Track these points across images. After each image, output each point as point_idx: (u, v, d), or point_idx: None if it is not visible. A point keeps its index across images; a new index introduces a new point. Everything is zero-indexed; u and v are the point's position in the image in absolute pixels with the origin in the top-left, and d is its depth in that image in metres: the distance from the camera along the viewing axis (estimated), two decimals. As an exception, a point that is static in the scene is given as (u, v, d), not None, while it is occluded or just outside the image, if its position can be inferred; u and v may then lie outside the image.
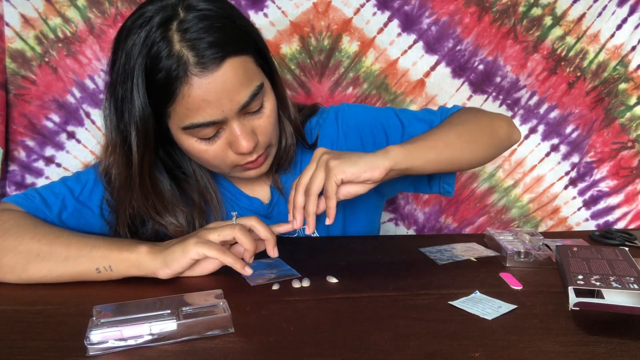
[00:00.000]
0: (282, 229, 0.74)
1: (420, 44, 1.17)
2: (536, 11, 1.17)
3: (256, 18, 1.14)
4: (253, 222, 0.71)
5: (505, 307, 0.60)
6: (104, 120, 0.76)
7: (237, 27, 0.71)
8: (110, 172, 0.79)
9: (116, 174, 0.77)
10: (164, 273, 0.68)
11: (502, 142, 0.86)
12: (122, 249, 0.69)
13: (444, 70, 1.19)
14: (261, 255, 0.78)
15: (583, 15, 1.16)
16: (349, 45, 1.18)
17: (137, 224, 0.80)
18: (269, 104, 0.75)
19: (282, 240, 0.91)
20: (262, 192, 0.89)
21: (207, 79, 0.67)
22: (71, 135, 1.16)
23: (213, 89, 0.68)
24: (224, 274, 0.72)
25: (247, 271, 0.67)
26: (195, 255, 0.67)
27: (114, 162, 0.77)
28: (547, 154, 1.24)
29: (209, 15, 0.69)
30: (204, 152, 0.73)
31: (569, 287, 0.58)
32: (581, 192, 1.26)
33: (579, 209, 1.27)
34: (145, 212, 0.78)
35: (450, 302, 0.62)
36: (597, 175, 1.25)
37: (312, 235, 0.87)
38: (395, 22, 1.16)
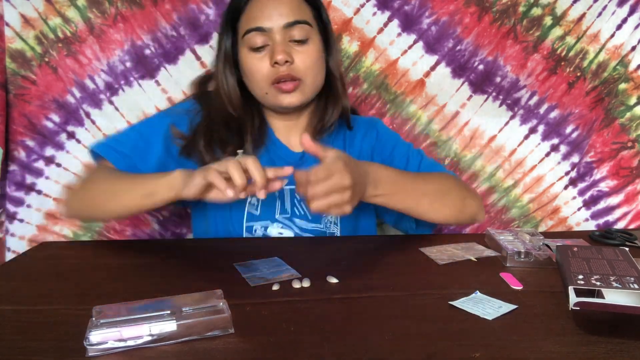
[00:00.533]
0: (275, 173, 0.74)
1: (420, 44, 1.17)
2: (536, 11, 1.17)
3: None
4: (249, 163, 0.71)
5: (506, 307, 0.60)
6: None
7: None
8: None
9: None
10: (185, 193, 0.76)
11: (465, 219, 0.95)
12: (162, 175, 0.81)
13: (444, 70, 1.19)
14: (261, 255, 0.78)
15: (583, 15, 1.16)
16: (349, 45, 1.18)
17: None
18: (314, 45, 0.92)
19: (282, 240, 0.91)
20: (295, 147, 0.99)
21: None
22: (71, 135, 1.16)
23: (270, 4, 0.90)
24: (224, 274, 0.72)
25: (229, 194, 0.70)
26: (199, 179, 0.74)
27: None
28: (547, 154, 1.24)
29: None
30: (253, 64, 0.91)
31: (570, 287, 0.58)
32: (581, 192, 1.26)
33: (579, 209, 1.27)
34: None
35: (451, 302, 0.62)
36: (597, 175, 1.25)
37: (330, 233, 0.95)
38: (395, 22, 1.16)
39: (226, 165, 0.71)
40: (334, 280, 0.69)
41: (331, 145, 0.92)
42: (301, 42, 0.91)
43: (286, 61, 0.89)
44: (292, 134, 1.00)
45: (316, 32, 0.94)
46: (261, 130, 0.97)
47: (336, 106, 0.98)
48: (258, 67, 0.91)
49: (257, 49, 0.90)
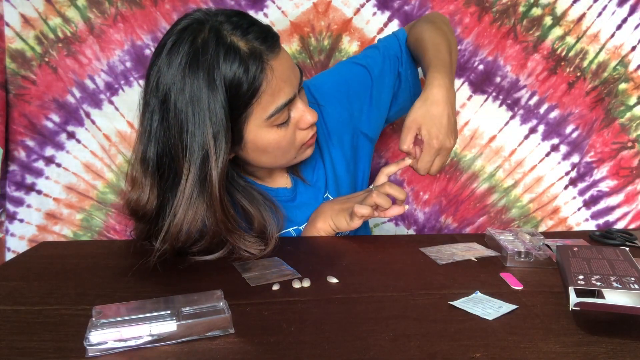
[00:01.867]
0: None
1: (420, 44, 1.17)
2: (536, 11, 1.17)
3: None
4: (387, 188, 0.84)
5: (506, 307, 0.60)
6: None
7: (262, 23, 0.78)
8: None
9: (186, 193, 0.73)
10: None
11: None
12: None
13: (444, 70, 1.19)
14: (262, 255, 0.78)
15: (583, 15, 1.16)
16: (349, 45, 1.18)
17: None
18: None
19: (282, 241, 0.91)
20: (283, 182, 0.95)
21: (279, 60, 0.75)
22: (71, 135, 1.16)
23: (286, 66, 0.76)
24: (224, 274, 0.72)
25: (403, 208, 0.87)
26: (357, 222, 0.85)
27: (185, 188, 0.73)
28: (547, 154, 1.24)
29: (239, 12, 0.77)
30: (280, 140, 0.79)
31: (570, 287, 0.58)
32: (581, 192, 1.26)
33: (579, 209, 1.27)
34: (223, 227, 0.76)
35: (451, 302, 0.62)
36: (597, 175, 1.25)
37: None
38: (395, 22, 1.16)
39: (371, 200, 0.83)
40: (334, 280, 0.69)
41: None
42: (301, 89, 0.82)
43: None
44: (272, 175, 0.93)
45: None
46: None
47: None
48: (289, 139, 0.81)
49: (283, 124, 0.78)
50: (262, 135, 0.78)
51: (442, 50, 0.88)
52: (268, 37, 0.74)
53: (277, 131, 0.78)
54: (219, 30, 0.72)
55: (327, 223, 0.88)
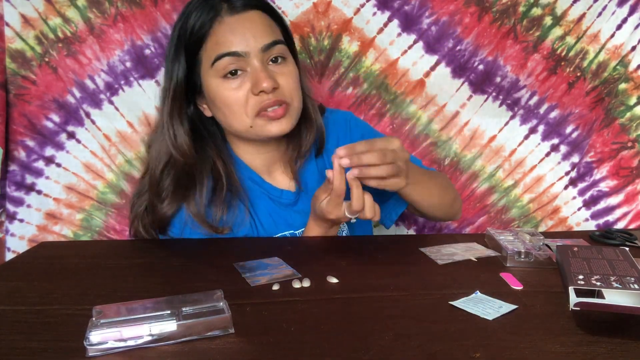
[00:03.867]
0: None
1: (420, 44, 1.17)
2: (536, 11, 1.17)
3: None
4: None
5: (506, 307, 0.60)
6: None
7: (269, 4, 0.89)
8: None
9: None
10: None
11: (449, 215, 1.04)
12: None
13: (444, 70, 1.19)
14: (262, 255, 0.78)
15: (583, 15, 1.16)
16: (349, 45, 1.18)
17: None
18: (291, 64, 0.87)
19: (282, 240, 0.91)
20: (286, 184, 0.97)
21: (235, 17, 0.83)
22: (71, 135, 1.16)
23: (240, 26, 0.82)
24: (224, 274, 0.72)
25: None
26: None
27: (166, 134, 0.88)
28: (547, 154, 1.24)
29: None
30: (228, 94, 0.83)
31: (570, 287, 0.58)
32: (581, 192, 1.26)
33: (579, 209, 1.27)
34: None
35: (451, 302, 0.62)
36: (597, 175, 1.25)
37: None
38: (395, 22, 1.16)
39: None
40: (334, 280, 0.69)
41: (307, 164, 0.98)
42: (280, 63, 0.85)
43: (274, 88, 0.82)
44: (273, 169, 0.97)
45: (288, 50, 0.88)
46: (233, 174, 0.91)
47: (311, 129, 0.94)
48: (236, 98, 0.83)
49: (231, 77, 0.83)
50: (210, 84, 0.85)
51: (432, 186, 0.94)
52: (238, 2, 0.84)
53: (224, 84, 0.83)
54: None
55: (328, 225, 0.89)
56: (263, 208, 0.94)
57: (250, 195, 0.93)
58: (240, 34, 0.82)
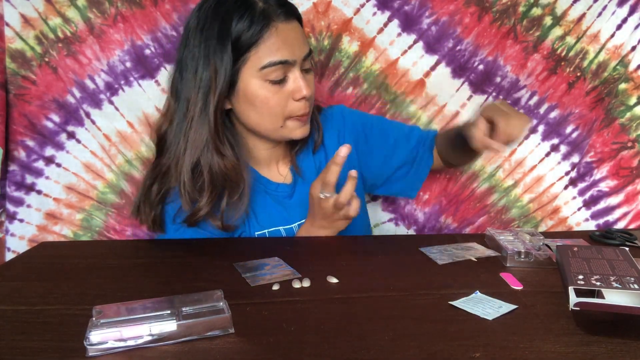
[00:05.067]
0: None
1: (420, 44, 1.17)
2: (536, 11, 1.17)
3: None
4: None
5: (506, 307, 0.60)
6: (173, 86, 0.90)
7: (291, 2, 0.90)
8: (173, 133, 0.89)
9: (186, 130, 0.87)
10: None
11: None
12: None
13: (444, 70, 1.19)
14: (261, 255, 0.78)
15: (583, 15, 1.16)
16: (349, 45, 1.18)
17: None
18: (312, 73, 0.92)
19: (282, 240, 0.91)
20: (283, 177, 1.00)
21: (287, 25, 0.85)
22: (71, 135, 1.16)
23: (291, 34, 0.86)
24: (224, 274, 0.72)
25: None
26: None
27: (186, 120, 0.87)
28: (547, 154, 1.24)
29: None
30: (270, 97, 0.86)
31: (570, 287, 0.58)
32: (581, 192, 1.26)
33: (579, 209, 1.27)
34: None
35: (451, 302, 0.62)
36: (597, 175, 1.25)
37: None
38: (395, 22, 1.16)
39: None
40: (334, 280, 0.69)
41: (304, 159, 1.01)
42: (308, 72, 0.90)
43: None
44: (272, 162, 1.00)
45: None
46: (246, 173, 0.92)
47: (312, 127, 0.97)
48: (278, 101, 0.87)
49: (277, 82, 0.86)
50: (253, 85, 0.86)
51: None
52: (286, 6, 0.87)
53: (268, 87, 0.86)
54: None
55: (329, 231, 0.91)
56: (258, 201, 0.95)
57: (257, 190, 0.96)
58: (290, 44, 0.85)
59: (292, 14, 0.88)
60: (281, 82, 0.86)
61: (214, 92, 0.84)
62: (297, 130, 0.91)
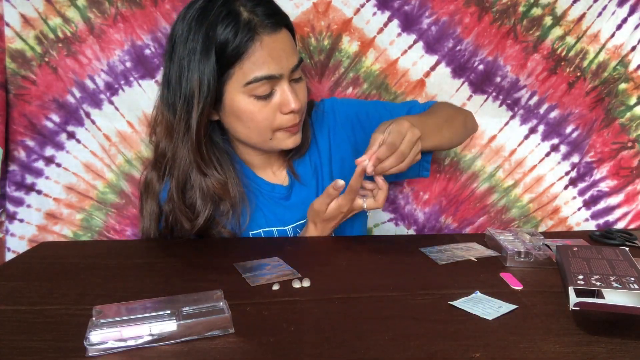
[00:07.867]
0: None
1: (420, 44, 1.17)
2: (536, 11, 1.17)
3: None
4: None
5: (506, 307, 0.60)
6: (162, 92, 0.89)
7: (281, 9, 0.87)
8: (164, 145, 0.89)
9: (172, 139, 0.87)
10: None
11: (468, 134, 1.10)
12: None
13: (444, 70, 1.19)
14: (261, 255, 0.78)
15: (583, 15, 1.16)
16: (349, 45, 1.18)
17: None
18: (304, 80, 0.89)
19: (282, 240, 0.91)
20: (280, 179, 0.99)
21: (273, 37, 0.81)
22: (71, 135, 1.16)
23: (277, 47, 0.82)
24: (224, 274, 0.72)
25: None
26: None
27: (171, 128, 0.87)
28: (547, 154, 1.24)
29: None
30: (257, 112, 0.84)
31: (570, 287, 0.58)
32: (581, 192, 1.26)
33: (579, 209, 1.27)
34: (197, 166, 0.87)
35: (451, 302, 0.62)
36: (597, 175, 1.25)
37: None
38: (395, 22, 1.16)
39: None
40: (333, 280, 0.69)
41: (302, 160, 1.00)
42: (298, 81, 0.87)
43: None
44: (268, 165, 0.99)
45: None
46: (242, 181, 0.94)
47: (306, 130, 0.97)
48: (265, 115, 0.84)
49: (264, 97, 0.83)
50: (239, 100, 0.83)
51: (433, 117, 0.96)
52: (273, 16, 0.82)
53: (254, 103, 0.83)
54: None
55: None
56: (254, 203, 0.95)
57: (254, 193, 0.96)
58: (277, 57, 0.82)
59: (281, 23, 0.84)
60: (268, 96, 0.83)
61: (198, 105, 0.82)
62: (287, 141, 0.89)
